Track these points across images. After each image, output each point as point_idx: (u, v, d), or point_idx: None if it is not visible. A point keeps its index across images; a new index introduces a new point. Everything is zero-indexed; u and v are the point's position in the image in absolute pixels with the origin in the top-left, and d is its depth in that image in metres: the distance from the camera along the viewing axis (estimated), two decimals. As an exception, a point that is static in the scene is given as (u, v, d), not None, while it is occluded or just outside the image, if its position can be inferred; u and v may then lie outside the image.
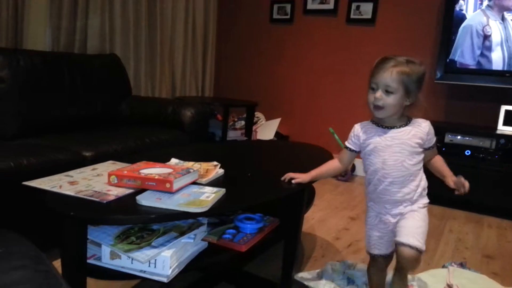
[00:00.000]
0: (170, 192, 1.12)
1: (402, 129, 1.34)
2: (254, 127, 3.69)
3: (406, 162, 1.30)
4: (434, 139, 1.37)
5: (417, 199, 1.35)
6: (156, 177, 1.14)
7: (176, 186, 1.13)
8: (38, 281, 0.48)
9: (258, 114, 3.89)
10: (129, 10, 3.12)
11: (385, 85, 1.29)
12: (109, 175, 1.19)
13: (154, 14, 3.37)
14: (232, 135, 3.51)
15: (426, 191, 1.39)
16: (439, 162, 1.44)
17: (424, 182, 1.37)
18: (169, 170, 1.21)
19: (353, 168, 3.58)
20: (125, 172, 1.18)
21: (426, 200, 1.38)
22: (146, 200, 1.07)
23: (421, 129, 1.33)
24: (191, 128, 2.60)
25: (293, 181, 1.37)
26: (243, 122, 3.71)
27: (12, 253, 0.54)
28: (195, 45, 3.87)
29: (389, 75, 1.29)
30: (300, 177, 1.38)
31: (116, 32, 3.05)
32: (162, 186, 1.12)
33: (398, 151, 1.30)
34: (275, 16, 3.87)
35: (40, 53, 2.36)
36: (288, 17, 3.80)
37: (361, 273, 1.71)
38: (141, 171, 1.20)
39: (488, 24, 2.79)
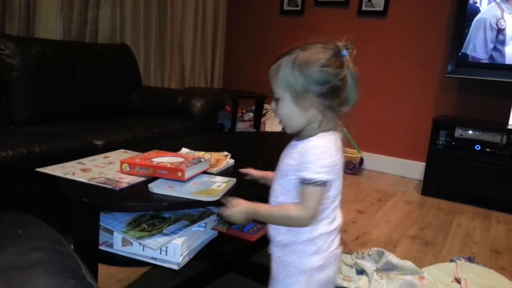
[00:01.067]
0: (182, 180, 1.13)
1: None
2: (262, 119, 3.68)
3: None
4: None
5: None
6: (168, 166, 1.15)
7: (187, 175, 1.14)
8: (58, 262, 0.48)
9: (267, 106, 3.88)
10: (140, 1, 3.12)
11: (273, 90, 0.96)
12: (122, 163, 1.20)
13: (164, 5, 3.37)
14: (240, 126, 3.51)
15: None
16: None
17: None
18: (181, 159, 1.22)
19: (361, 161, 3.58)
20: (137, 160, 1.20)
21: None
22: (158, 188, 1.08)
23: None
24: (201, 118, 2.60)
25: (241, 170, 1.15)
26: (251, 114, 3.71)
27: (31, 234, 0.55)
28: (205, 36, 3.87)
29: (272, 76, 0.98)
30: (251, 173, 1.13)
31: (126, 23, 3.06)
32: (174, 174, 1.13)
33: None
34: (286, 7, 3.84)
35: (51, 41, 2.38)
36: (299, 8, 3.77)
37: (370, 263, 1.71)
38: (153, 159, 1.21)
39: (502, 18, 2.75)
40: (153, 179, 1.15)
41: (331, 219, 0.96)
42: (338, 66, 0.93)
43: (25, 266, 0.46)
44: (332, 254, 0.95)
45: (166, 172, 1.14)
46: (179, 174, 1.13)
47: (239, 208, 0.94)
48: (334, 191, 0.95)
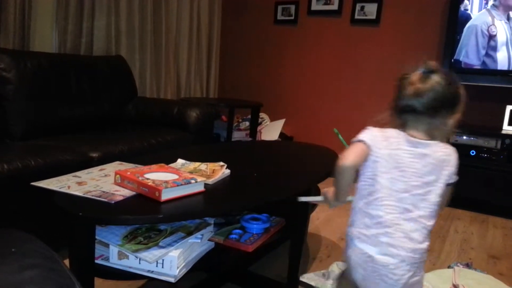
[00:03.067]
0: (159, 201, 1.09)
1: None
2: (258, 128, 3.69)
3: None
4: None
5: None
6: (149, 184, 1.12)
7: (165, 196, 1.10)
8: (52, 280, 0.48)
9: (262, 115, 3.89)
10: (135, 12, 3.14)
11: None
12: (115, 174, 1.20)
13: (159, 16, 3.39)
14: (236, 135, 3.52)
15: None
16: None
17: None
18: (174, 177, 1.19)
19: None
20: (128, 173, 1.19)
21: None
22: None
23: None
24: (196, 128, 2.61)
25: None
26: (247, 123, 3.71)
27: (26, 252, 0.55)
28: (200, 46, 3.89)
29: None
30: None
31: (121, 34, 3.07)
32: (152, 193, 1.11)
33: None
34: (279, 17, 3.87)
35: (47, 55, 2.38)
36: (292, 18, 3.80)
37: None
38: (146, 174, 1.19)
39: (493, 24, 2.79)
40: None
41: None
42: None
43: (19, 285, 0.46)
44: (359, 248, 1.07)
45: (147, 189, 1.12)
46: (156, 194, 1.10)
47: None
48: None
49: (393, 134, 1.09)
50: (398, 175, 1.04)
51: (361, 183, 1.09)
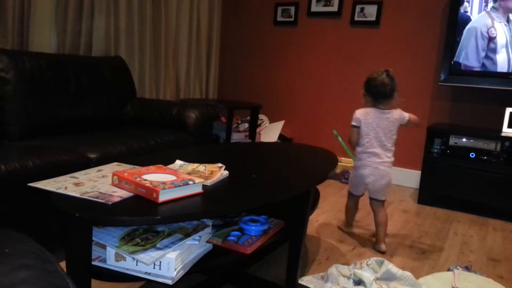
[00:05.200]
0: (157, 202, 1.09)
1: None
2: (258, 130, 3.69)
3: None
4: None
5: None
6: (147, 185, 1.11)
7: (162, 197, 1.09)
8: (45, 280, 0.47)
9: (262, 116, 3.89)
10: (134, 12, 3.13)
11: None
12: (113, 175, 1.19)
13: (158, 16, 3.39)
14: (236, 137, 3.51)
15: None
16: None
17: None
18: (172, 178, 1.18)
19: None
20: (126, 174, 1.18)
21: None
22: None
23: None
24: (196, 130, 2.60)
25: None
26: (247, 125, 3.71)
27: (19, 253, 0.54)
28: (199, 47, 3.88)
29: None
30: None
31: (121, 34, 3.07)
32: (150, 195, 1.10)
33: None
34: (279, 18, 3.87)
35: (45, 55, 2.37)
36: (292, 19, 3.80)
37: (369, 273, 1.70)
38: (144, 175, 1.18)
39: (493, 26, 2.79)
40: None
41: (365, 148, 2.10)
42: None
43: (11, 286, 0.45)
44: (365, 162, 2.10)
45: (144, 190, 1.11)
46: (154, 195, 1.09)
47: None
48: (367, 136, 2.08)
49: (370, 110, 2.08)
50: (376, 130, 2.06)
51: (360, 139, 2.10)
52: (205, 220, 1.24)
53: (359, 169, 2.11)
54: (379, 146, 2.05)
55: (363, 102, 2.11)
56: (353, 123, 2.09)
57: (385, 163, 2.07)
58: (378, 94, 2.03)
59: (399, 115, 2.09)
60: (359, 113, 2.07)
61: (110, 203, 1.06)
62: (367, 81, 2.08)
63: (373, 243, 2.17)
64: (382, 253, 2.08)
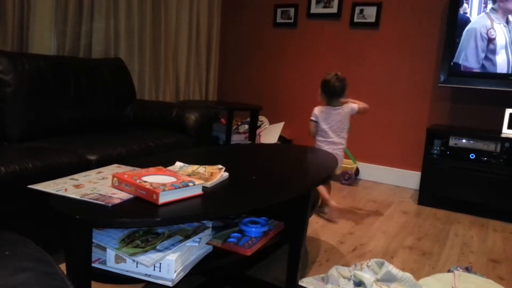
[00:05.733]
0: (157, 204, 1.09)
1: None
2: (257, 131, 3.69)
3: None
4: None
5: None
6: (147, 187, 1.11)
7: (162, 199, 1.09)
8: (45, 283, 0.47)
9: (261, 118, 3.89)
10: (134, 14, 3.14)
11: None
12: (113, 177, 1.19)
13: (158, 18, 3.39)
14: (235, 138, 3.51)
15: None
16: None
17: None
18: (172, 180, 1.18)
19: (357, 171, 3.58)
20: (126, 176, 1.18)
21: None
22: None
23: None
24: (195, 131, 2.60)
25: None
26: (246, 126, 3.71)
27: (19, 255, 0.54)
28: (199, 49, 3.89)
29: None
30: None
31: (120, 36, 3.07)
32: (150, 196, 1.10)
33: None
34: (279, 20, 3.88)
35: (45, 57, 2.38)
36: (291, 21, 3.81)
37: (369, 274, 1.69)
38: (143, 177, 1.18)
39: (492, 27, 2.79)
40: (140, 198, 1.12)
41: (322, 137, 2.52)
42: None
43: (11, 288, 0.45)
44: (325, 148, 2.44)
45: (144, 192, 1.11)
46: (154, 197, 1.09)
47: None
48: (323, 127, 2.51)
49: (325, 108, 2.51)
50: (331, 124, 2.48)
51: (318, 133, 2.53)
52: (205, 221, 1.24)
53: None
54: (334, 136, 2.49)
55: (319, 100, 2.54)
56: (312, 118, 2.53)
57: (339, 149, 2.51)
58: (331, 94, 2.47)
59: (349, 108, 2.50)
60: (317, 110, 2.52)
61: (110, 205, 1.06)
62: (322, 83, 2.50)
63: (319, 207, 2.53)
64: (334, 208, 2.56)
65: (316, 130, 2.52)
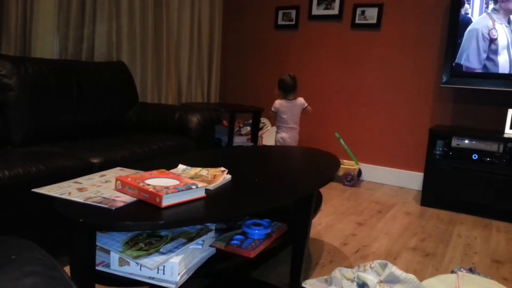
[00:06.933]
0: (160, 207, 1.09)
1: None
2: (260, 133, 3.69)
3: None
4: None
5: None
6: (150, 190, 1.12)
7: (166, 202, 1.09)
8: (52, 287, 0.48)
9: (263, 119, 3.89)
10: (136, 18, 3.15)
11: None
12: (116, 180, 1.20)
13: (160, 21, 3.40)
14: (238, 140, 3.52)
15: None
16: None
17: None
18: (175, 182, 1.19)
19: (360, 172, 3.58)
20: (129, 179, 1.18)
21: None
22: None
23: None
24: (198, 134, 2.61)
25: None
26: (249, 128, 3.71)
27: (25, 260, 0.55)
28: (201, 52, 3.90)
29: None
30: None
31: (123, 40, 3.08)
32: (153, 199, 1.10)
33: None
34: (280, 22, 3.89)
35: (48, 61, 2.39)
36: (293, 23, 3.82)
37: (372, 276, 1.69)
38: (146, 180, 1.19)
39: (494, 28, 2.79)
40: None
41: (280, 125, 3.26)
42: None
43: (18, 293, 0.46)
44: (278, 136, 3.25)
45: (148, 195, 1.12)
46: (157, 199, 1.09)
47: None
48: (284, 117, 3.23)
49: (283, 101, 3.17)
50: (288, 114, 3.17)
51: (277, 120, 3.23)
52: (208, 224, 1.25)
53: (281, 134, 3.21)
54: (292, 122, 3.18)
55: (276, 94, 3.22)
56: (273, 109, 3.21)
57: (296, 131, 3.22)
58: (286, 89, 3.16)
59: (301, 102, 3.22)
60: (277, 103, 3.18)
61: (113, 208, 1.07)
62: (278, 81, 3.20)
63: None
64: None
65: (276, 118, 3.23)
